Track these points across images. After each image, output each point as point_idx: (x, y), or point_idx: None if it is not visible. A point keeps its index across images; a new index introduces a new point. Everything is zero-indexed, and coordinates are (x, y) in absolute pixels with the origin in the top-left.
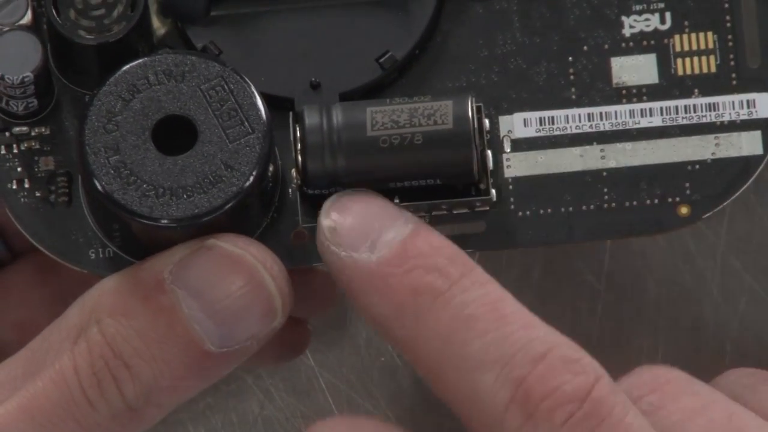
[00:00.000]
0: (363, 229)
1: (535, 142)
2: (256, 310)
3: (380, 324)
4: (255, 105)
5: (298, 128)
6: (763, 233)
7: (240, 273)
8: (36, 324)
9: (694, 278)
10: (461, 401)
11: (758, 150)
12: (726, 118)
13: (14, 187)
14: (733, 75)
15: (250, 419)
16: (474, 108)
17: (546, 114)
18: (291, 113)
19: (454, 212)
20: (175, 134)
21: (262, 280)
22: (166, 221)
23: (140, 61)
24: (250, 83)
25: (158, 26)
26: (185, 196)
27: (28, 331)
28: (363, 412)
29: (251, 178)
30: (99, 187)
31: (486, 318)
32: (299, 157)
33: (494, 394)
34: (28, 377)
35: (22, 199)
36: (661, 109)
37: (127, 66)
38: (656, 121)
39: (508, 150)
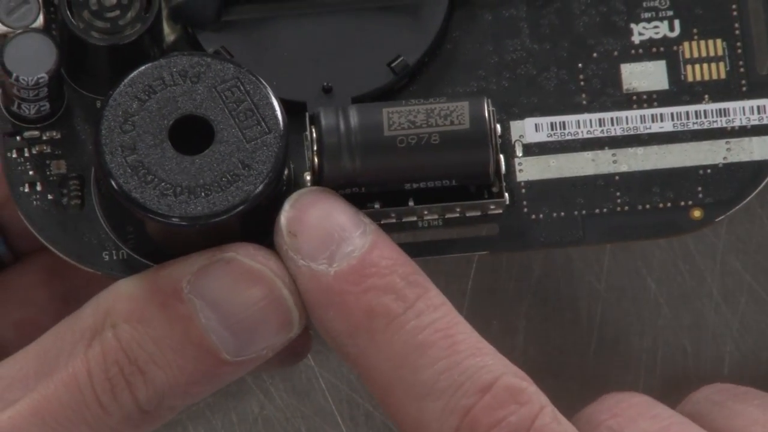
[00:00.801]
0: (322, 238)
1: (546, 147)
2: (273, 322)
3: (333, 338)
4: (271, 105)
5: (314, 129)
6: (763, 233)
7: (259, 288)
8: (38, 324)
9: (694, 278)
10: (409, 426)
11: None
12: (737, 124)
13: (26, 190)
14: (743, 81)
15: (250, 419)
16: (490, 109)
17: (557, 119)
18: (307, 114)
19: (467, 215)
20: (191, 135)
21: (281, 295)
22: (184, 219)
23: (156, 62)
24: (266, 84)
25: (168, 32)
26: (203, 195)
27: (30, 330)
28: (363, 412)
29: (269, 177)
30: (116, 186)
31: (438, 345)
32: (315, 159)
33: (441, 423)
34: (40, 377)
35: (34, 202)
36: (672, 114)
37: (143, 67)
38: (667, 127)
39: (520, 154)
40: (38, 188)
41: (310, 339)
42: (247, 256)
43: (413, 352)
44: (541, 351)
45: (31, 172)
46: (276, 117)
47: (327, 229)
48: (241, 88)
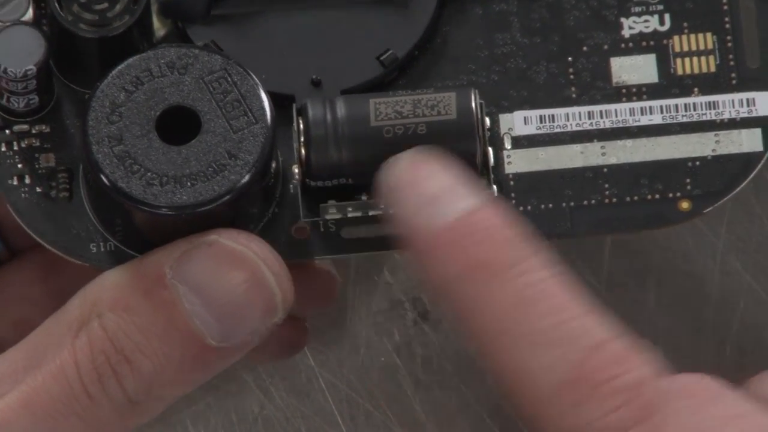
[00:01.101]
0: (439, 189)
1: (535, 140)
2: (256, 306)
3: (440, 286)
4: (258, 96)
5: (301, 121)
6: (763, 233)
7: (241, 269)
8: (35, 321)
9: (694, 278)
10: (512, 374)
11: (759, 147)
12: (726, 116)
13: (15, 183)
14: (733, 75)
15: (250, 419)
16: (478, 100)
17: (546, 112)
18: (294, 106)
19: None
20: (178, 126)
21: (263, 277)
22: (169, 209)
23: (143, 54)
24: (253, 75)
25: (158, 27)
26: (189, 185)
27: (27, 328)
28: (363, 412)
29: (255, 167)
30: (103, 176)
31: (552, 299)
32: (302, 150)
33: (549, 372)
34: (29, 371)
35: (23, 195)
36: (661, 107)
37: (131, 59)
38: (656, 119)
39: (509, 147)
40: (27, 181)
41: (306, 332)
42: (229, 238)
43: (526, 303)
44: None
45: (20, 165)
46: (263, 107)
47: (445, 182)
48: (229, 79)
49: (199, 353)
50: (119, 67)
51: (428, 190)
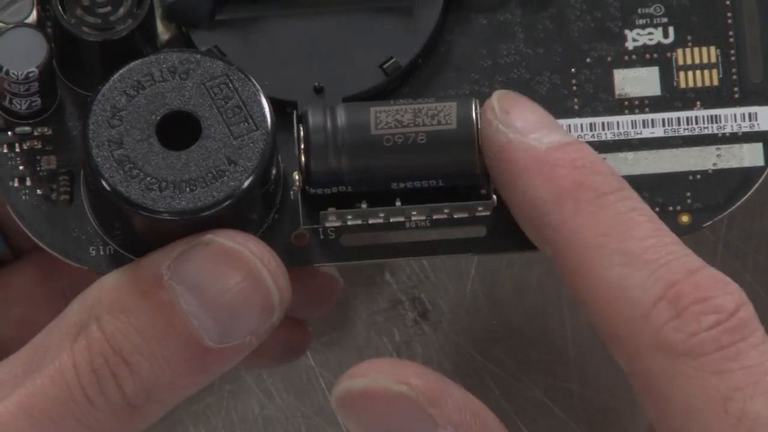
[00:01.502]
0: (535, 120)
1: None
2: (254, 305)
3: (534, 207)
4: (259, 102)
5: (301, 128)
6: (763, 233)
7: (237, 268)
8: (37, 321)
9: None
10: (605, 291)
11: (760, 161)
12: (728, 130)
13: (16, 185)
14: (735, 89)
15: (250, 419)
16: (478, 110)
17: None
18: (295, 113)
19: (455, 216)
20: (179, 131)
21: (260, 276)
22: (168, 214)
23: (145, 58)
24: (255, 81)
25: (162, 31)
26: (188, 190)
27: (30, 328)
28: None
29: (254, 173)
30: (102, 180)
31: (645, 225)
32: (302, 157)
33: (645, 289)
34: (28, 375)
35: (23, 197)
36: (663, 120)
37: (133, 63)
38: (658, 132)
39: None
40: (28, 183)
41: (308, 335)
42: (225, 237)
43: (621, 225)
44: (541, 351)
45: (21, 167)
46: (264, 114)
47: (540, 114)
48: (230, 85)
49: (198, 355)
50: (121, 71)
51: (536, 115)
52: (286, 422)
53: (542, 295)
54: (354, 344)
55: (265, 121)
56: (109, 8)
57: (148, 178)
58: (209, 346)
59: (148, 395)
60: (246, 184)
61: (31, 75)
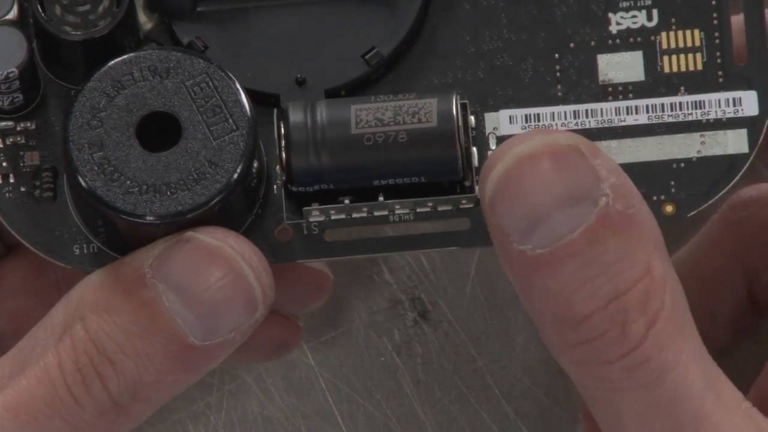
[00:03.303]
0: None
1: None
2: (236, 301)
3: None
4: (239, 102)
5: (282, 125)
6: None
7: (219, 265)
8: (32, 314)
9: None
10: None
11: (744, 148)
12: (712, 116)
13: None
14: (720, 73)
15: (250, 419)
16: (458, 106)
17: (532, 111)
18: (275, 110)
19: (439, 209)
20: (159, 131)
21: (242, 271)
22: (149, 218)
23: (125, 57)
24: (235, 80)
25: (145, 21)
26: (169, 193)
27: (24, 320)
28: (363, 412)
29: (235, 175)
30: (83, 183)
31: None
32: (283, 155)
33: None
34: (14, 375)
35: (6, 195)
36: (647, 106)
37: (112, 62)
38: (642, 119)
39: (494, 147)
40: (11, 180)
41: (299, 330)
42: (206, 234)
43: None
44: (542, 350)
45: (4, 164)
46: (244, 114)
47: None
48: (210, 84)
49: (183, 353)
50: (100, 71)
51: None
52: (286, 422)
53: None
54: (354, 344)
55: (245, 121)
56: (88, 6)
57: (128, 182)
58: (193, 343)
59: (134, 394)
60: (227, 186)
61: (11, 75)
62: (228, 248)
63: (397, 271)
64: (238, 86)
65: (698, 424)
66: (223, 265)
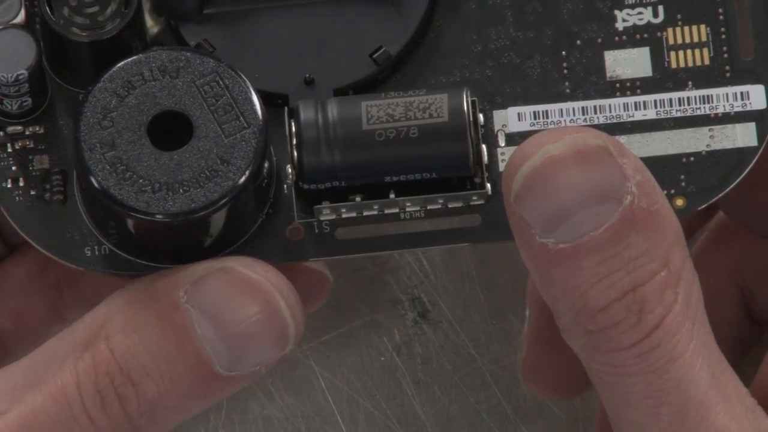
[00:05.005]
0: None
1: (529, 136)
2: (268, 336)
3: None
4: (250, 100)
5: (293, 123)
6: None
7: (256, 299)
8: (33, 313)
9: None
10: None
11: (753, 142)
12: (720, 111)
13: (9, 185)
14: (727, 67)
15: (250, 419)
16: (469, 101)
17: (540, 108)
18: (286, 108)
19: (450, 206)
20: (170, 130)
21: (278, 308)
22: (162, 216)
23: (135, 57)
24: (245, 78)
25: (151, 25)
26: (181, 191)
27: (26, 319)
28: (363, 412)
29: (247, 172)
30: (95, 183)
31: None
32: (295, 153)
33: None
34: (28, 390)
35: (17, 198)
36: (655, 102)
37: (122, 62)
38: (650, 114)
39: (503, 144)
40: (21, 184)
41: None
42: (246, 266)
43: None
44: None
45: (14, 168)
46: (255, 112)
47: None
48: (220, 82)
49: (206, 381)
50: (110, 71)
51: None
52: (286, 422)
53: None
54: (354, 344)
55: (257, 119)
56: (96, 8)
57: (141, 180)
58: (218, 372)
59: (152, 417)
60: (240, 183)
61: (21, 77)
62: (267, 283)
63: (397, 271)
64: (249, 84)
65: (703, 412)
66: (260, 300)
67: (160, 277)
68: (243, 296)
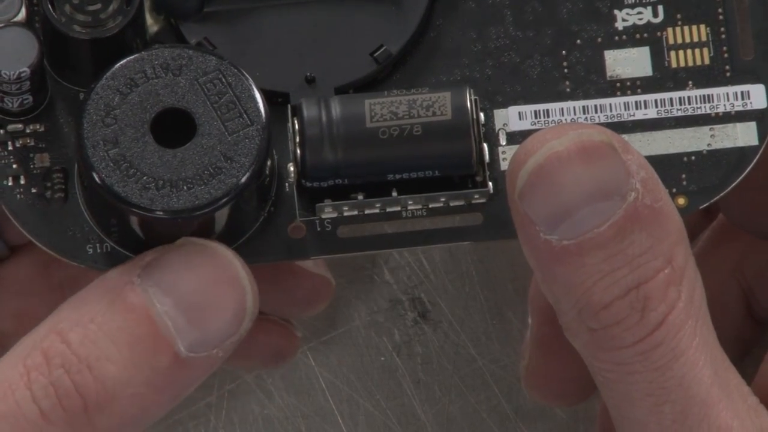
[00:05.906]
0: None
1: (530, 135)
2: (228, 305)
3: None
4: (253, 97)
5: (296, 121)
6: None
7: (211, 264)
8: (35, 314)
9: None
10: None
11: (754, 141)
12: (721, 110)
13: (10, 183)
14: (727, 67)
15: (250, 419)
16: (472, 99)
17: (541, 107)
18: (289, 106)
19: (451, 204)
20: (173, 128)
21: (236, 272)
22: (166, 213)
23: (137, 55)
24: (248, 76)
25: (151, 23)
26: (185, 188)
27: (28, 321)
28: (363, 412)
29: (251, 169)
30: (98, 180)
31: None
32: (298, 150)
33: None
34: None
35: (18, 196)
36: (656, 101)
37: (125, 60)
38: (651, 114)
39: (504, 143)
40: (22, 182)
41: (297, 340)
42: (199, 239)
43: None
44: None
45: (14, 166)
46: (258, 109)
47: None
48: (223, 80)
49: (166, 366)
50: (113, 69)
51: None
52: (286, 422)
53: None
54: (354, 344)
55: (260, 116)
56: (98, 5)
57: (145, 177)
58: (180, 352)
59: (110, 404)
60: (243, 180)
61: (23, 75)
62: (221, 248)
63: (397, 271)
64: (251, 82)
65: (705, 410)
66: (215, 263)
67: (110, 270)
68: (198, 261)
